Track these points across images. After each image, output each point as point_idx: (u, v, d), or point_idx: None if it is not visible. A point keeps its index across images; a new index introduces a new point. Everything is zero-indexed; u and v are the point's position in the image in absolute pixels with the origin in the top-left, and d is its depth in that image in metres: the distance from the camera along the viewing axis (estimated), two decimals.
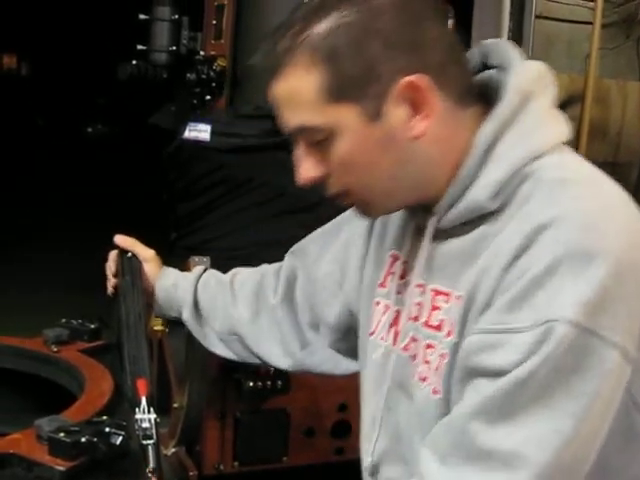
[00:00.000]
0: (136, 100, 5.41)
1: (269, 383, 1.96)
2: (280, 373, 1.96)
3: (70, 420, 1.10)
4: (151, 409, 1.15)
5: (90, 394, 1.28)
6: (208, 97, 2.15)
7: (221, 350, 1.49)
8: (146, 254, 1.53)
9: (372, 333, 1.12)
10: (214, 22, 2.20)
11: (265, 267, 1.50)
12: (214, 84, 2.14)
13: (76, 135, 11.52)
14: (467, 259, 0.97)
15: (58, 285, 4.81)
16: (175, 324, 1.60)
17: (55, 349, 1.50)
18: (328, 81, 0.95)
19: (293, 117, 0.98)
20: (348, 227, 1.28)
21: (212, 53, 2.21)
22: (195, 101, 2.16)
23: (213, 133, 2.15)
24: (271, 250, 2.17)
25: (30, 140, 10.42)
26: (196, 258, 1.89)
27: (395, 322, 1.08)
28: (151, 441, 1.10)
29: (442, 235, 1.01)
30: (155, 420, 1.15)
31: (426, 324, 1.01)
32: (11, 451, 1.04)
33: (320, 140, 0.98)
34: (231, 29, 2.18)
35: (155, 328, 2.23)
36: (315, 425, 2.12)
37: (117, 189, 7.69)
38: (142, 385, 1.20)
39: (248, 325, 1.43)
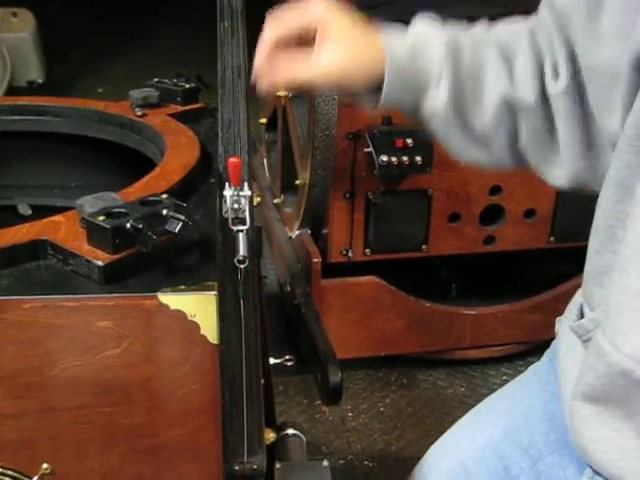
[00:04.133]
0: None
1: (406, 159, 1.64)
2: (421, 147, 1.64)
3: (126, 200, 0.84)
4: (245, 184, 0.87)
5: (166, 166, 1.02)
6: None
7: (474, 154, 0.99)
8: None
9: None
10: None
11: (517, 21, 0.98)
12: None
13: None
14: None
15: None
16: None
17: (139, 113, 1.24)
18: None
19: None
20: None
21: None
22: None
23: None
24: None
25: None
26: None
27: None
28: (243, 227, 0.82)
29: None
30: (250, 198, 0.87)
31: None
32: (44, 237, 0.80)
33: None
34: None
35: (277, 93, 1.96)
36: (461, 210, 1.82)
37: None
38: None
39: (532, 113, 0.93)
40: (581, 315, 0.89)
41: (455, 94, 0.92)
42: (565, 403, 0.87)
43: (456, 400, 1.87)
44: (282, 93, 1.89)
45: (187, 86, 1.34)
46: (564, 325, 0.94)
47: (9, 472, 0.80)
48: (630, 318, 0.73)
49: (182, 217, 0.78)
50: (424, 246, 1.81)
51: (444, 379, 1.94)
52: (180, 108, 1.30)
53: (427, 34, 0.93)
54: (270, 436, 0.96)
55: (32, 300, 0.74)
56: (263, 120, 2.34)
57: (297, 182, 1.77)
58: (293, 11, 0.89)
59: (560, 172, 0.93)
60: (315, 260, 1.70)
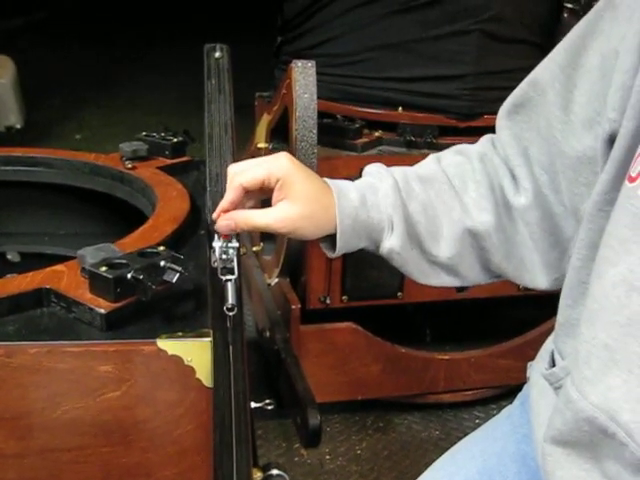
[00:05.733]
0: None
1: None
2: None
3: (123, 250, 0.89)
4: (233, 237, 0.93)
5: (158, 218, 1.07)
6: None
7: (446, 280, 1.02)
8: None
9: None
10: None
11: (466, 148, 1.04)
12: None
13: None
14: None
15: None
16: None
17: (129, 165, 1.30)
18: None
19: None
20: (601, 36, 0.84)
21: None
22: None
23: None
24: (386, 53, 1.90)
25: None
26: (299, 62, 1.62)
27: None
28: (232, 276, 0.87)
29: None
30: (238, 249, 0.93)
31: None
32: (48, 286, 0.85)
33: None
34: None
35: (259, 146, 2.03)
36: None
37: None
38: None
39: (495, 234, 0.98)
40: (552, 363, 0.93)
41: (410, 233, 0.96)
42: (537, 444, 0.90)
43: (431, 443, 1.91)
44: (262, 145, 1.96)
45: (175, 140, 1.40)
46: (535, 370, 0.99)
47: None
48: (596, 368, 0.76)
49: (179, 268, 0.83)
50: (399, 293, 1.86)
51: (419, 422, 1.98)
52: (168, 161, 1.36)
53: (376, 179, 0.99)
54: (257, 475, 1.00)
55: (37, 345, 0.78)
56: None
57: None
58: (260, 162, 0.96)
59: (541, 278, 0.98)
60: (294, 307, 1.75)
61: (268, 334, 1.82)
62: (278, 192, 0.93)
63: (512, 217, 0.96)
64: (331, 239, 0.98)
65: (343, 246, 0.97)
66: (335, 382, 1.87)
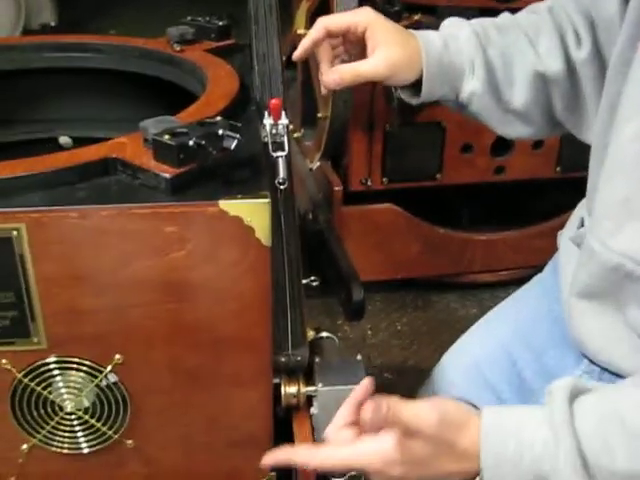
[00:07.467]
0: None
1: None
2: None
3: (181, 122, 0.94)
4: (283, 114, 0.97)
5: (210, 95, 1.11)
6: None
7: (518, 129, 1.06)
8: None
9: None
10: None
11: (537, 5, 1.06)
12: None
13: None
14: None
15: None
16: None
17: (178, 49, 1.33)
18: None
19: None
20: None
21: None
22: None
23: None
24: None
25: None
26: None
27: None
28: (282, 153, 0.92)
29: None
30: (287, 127, 0.97)
31: None
32: (114, 155, 0.90)
33: None
34: None
35: (298, 32, 2.04)
36: (473, 141, 1.91)
37: None
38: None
39: (562, 82, 1.00)
40: (581, 226, 0.99)
41: (489, 77, 1.00)
42: (564, 303, 0.97)
43: (468, 320, 1.96)
44: (302, 31, 1.97)
45: (220, 23, 1.42)
46: (564, 237, 1.04)
47: (86, 362, 0.91)
48: (615, 219, 0.81)
49: (236, 135, 0.88)
50: (438, 175, 1.91)
51: (457, 301, 2.05)
52: (214, 44, 1.38)
53: (455, 28, 1.02)
54: (310, 334, 1.08)
55: (108, 208, 0.83)
56: None
57: (318, 116, 1.86)
58: (342, 14, 1.00)
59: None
60: (337, 188, 1.81)
61: (311, 216, 1.88)
62: (371, 40, 0.98)
63: (574, 69, 1.00)
64: (411, 87, 1.02)
65: (428, 91, 1.01)
66: (376, 262, 1.94)
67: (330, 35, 1.01)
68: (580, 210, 1.01)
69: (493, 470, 0.73)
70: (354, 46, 1.03)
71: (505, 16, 1.06)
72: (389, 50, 0.98)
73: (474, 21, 1.04)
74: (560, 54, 1.00)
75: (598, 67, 0.98)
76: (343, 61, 1.06)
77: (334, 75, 1.01)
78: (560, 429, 0.71)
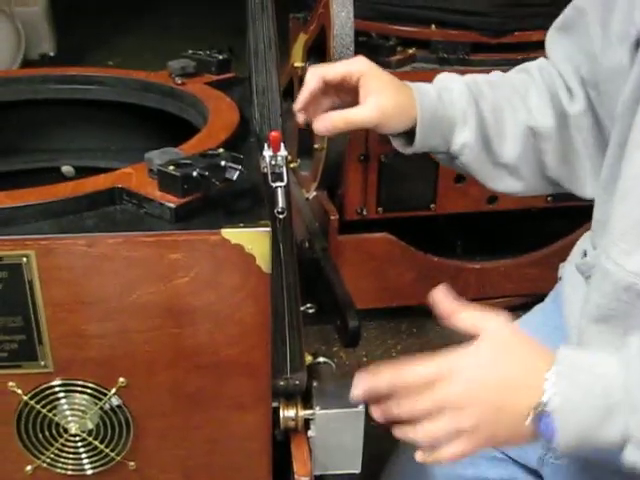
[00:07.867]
0: None
1: None
2: None
3: (185, 153, 0.98)
4: (282, 146, 1.00)
5: (212, 127, 1.14)
6: None
7: (509, 184, 1.10)
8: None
9: None
10: None
11: (526, 64, 1.10)
12: None
13: None
14: None
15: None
16: None
17: (179, 81, 1.37)
18: None
19: None
20: None
21: None
22: None
23: None
24: None
25: None
26: None
27: None
28: (281, 183, 0.96)
29: None
30: (286, 158, 1.01)
31: None
32: (120, 185, 0.93)
33: None
34: None
35: (295, 64, 2.08)
36: None
37: None
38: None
39: (554, 138, 1.04)
40: (585, 256, 1.01)
41: (481, 129, 1.03)
42: (571, 329, 0.98)
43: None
44: (299, 64, 2.02)
45: (220, 57, 1.46)
46: (568, 268, 1.06)
47: (91, 385, 0.93)
48: (631, 240, 0.83)
49: (239, 166, 0.92)
50: (432, 205, 1.94)
51: (451, 328, 2.07)
52: (214, 77, 1.42)
53: (449, 81, 1.06)
54: (308, 358, 1.11)
55: (115, 236, 0.86)
56: None
57: (315, 147, 1.91)
58: (338, 63, 1.03)
59: (590, 188, 1.04)
60: (333, 217, 1.84)
61: (307, 245, 1.92)
62: (363, 88, 1.00)
63: (567, 124, 1.03)
64: (404, 136, 1.05)
65: (421, 141, 1.03)
66: (371, 289, 1.97)
67: (326, 85, 1.05)
68: (583, 243, 1.03)
69: (565, 395, 0.74)
70: (347, 94, 1.06)
71: (497, 73, 1.10)
72: (380, 98, 1.01)
73: (467, 76, 1.08)
74: (551, 110, 1.03)
75: (592, 119, 1.02)
76: (334, 108, 1.09)
77: (325, 122, 1.04)
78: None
